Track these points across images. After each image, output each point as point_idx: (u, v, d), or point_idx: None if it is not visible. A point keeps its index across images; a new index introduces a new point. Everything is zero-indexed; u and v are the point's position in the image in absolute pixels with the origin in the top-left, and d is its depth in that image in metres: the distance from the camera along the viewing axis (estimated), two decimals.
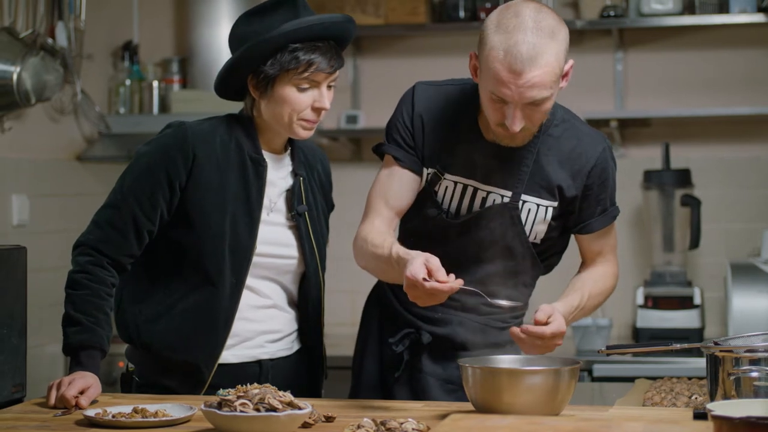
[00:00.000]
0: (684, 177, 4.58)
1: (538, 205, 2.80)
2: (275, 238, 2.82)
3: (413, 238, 2.81)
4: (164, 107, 4.83)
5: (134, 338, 2.81)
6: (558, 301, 2.70)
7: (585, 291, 2.81)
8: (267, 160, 2.82)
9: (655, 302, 4.48)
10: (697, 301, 4.45)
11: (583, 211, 2.85)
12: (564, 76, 2.62)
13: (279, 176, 2.85)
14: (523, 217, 2.78)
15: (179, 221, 2.77)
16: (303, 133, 2.78)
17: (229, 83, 2.80)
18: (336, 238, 4.81)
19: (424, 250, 2.56)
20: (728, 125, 4.71)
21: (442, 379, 2.90)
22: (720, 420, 1.95)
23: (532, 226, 2.80)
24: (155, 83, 4.86)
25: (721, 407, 2.03)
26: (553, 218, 2.82)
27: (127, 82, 4.84)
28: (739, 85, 4.69)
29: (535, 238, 2.82)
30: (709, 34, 4.71)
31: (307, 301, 2.90)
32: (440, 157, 2.80)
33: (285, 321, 2.89)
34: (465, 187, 2.79)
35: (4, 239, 4.03)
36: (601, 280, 2.88)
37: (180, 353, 2.77)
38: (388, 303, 2.96)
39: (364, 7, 4.62)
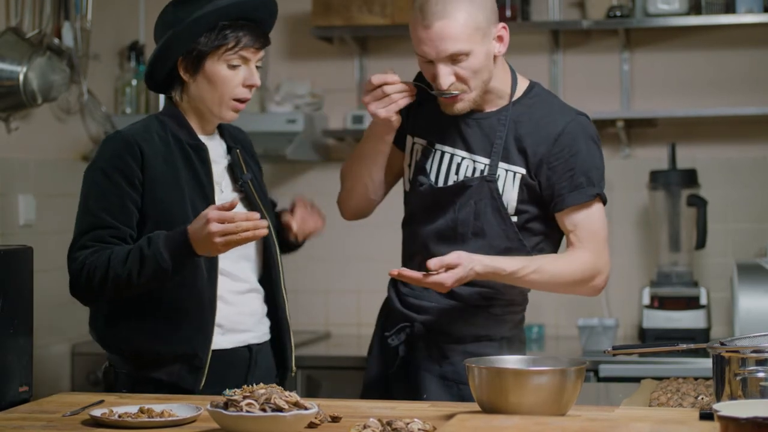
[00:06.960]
0: (690, 177, 4.58)
1: (506, 171, 2.82)
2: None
3: (411, 219, 2.94)
4: None
5: (124, 348, 2.84)
6: (493, 257, 2.73)
7: (535, 262, 2.79)
8: (204, 142, 2.89)
9: (662, 302, 4.47)
10: (703, 301, 4.45)
11: (555, 185, 2.83)
12: (499, 39, 2.77)
13: (218, 154, 2.94)
14: (499, 185, 2.82)
15: (144, 221, 2.81)
16: (230, 115, 2.88)
17: (160, 69, 2.84)
18: (343, 238, 4.82)
19: (418, 228, 2.84)
20: (735, 125, 4.70)
21: (438, 375, 2.91)
22: (726, 420, 1.95)
23: (501, 192, 2.83)
24: None
25: (728, 407, 2.03)
26: (524, 188, 2.82)
27: (134, 82, 4.84)
28: (746, 85, 4.68)
29: (508, 207, 2.84)
30: (715, 34, 4.70)
31: (270, 265, 2.95)
32: (431, 129, 2.92)
33: (260, 301, 2.95)
34: (451, 156, 2.88)
35: (10, 239, 4.03)
36: (563, 261, 2.83)
37: (175, 345, 2.81)
38: (388, 299, 3.00)
39: (371, 7, 4.61)
